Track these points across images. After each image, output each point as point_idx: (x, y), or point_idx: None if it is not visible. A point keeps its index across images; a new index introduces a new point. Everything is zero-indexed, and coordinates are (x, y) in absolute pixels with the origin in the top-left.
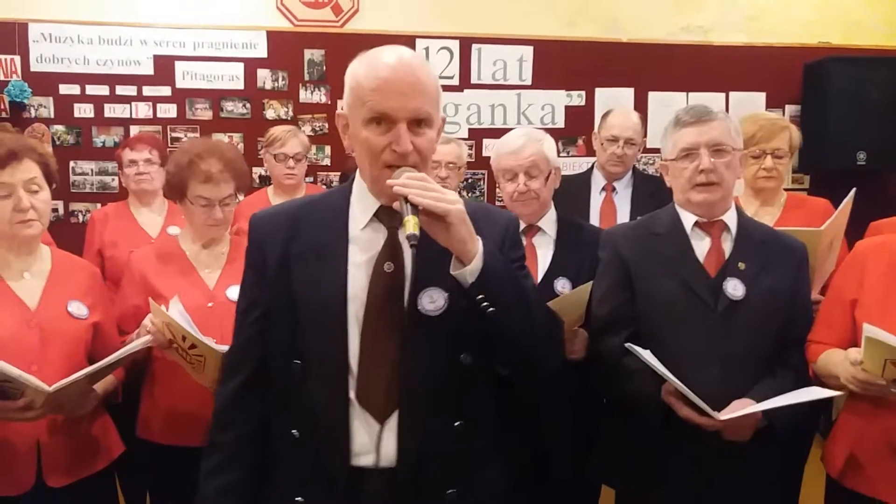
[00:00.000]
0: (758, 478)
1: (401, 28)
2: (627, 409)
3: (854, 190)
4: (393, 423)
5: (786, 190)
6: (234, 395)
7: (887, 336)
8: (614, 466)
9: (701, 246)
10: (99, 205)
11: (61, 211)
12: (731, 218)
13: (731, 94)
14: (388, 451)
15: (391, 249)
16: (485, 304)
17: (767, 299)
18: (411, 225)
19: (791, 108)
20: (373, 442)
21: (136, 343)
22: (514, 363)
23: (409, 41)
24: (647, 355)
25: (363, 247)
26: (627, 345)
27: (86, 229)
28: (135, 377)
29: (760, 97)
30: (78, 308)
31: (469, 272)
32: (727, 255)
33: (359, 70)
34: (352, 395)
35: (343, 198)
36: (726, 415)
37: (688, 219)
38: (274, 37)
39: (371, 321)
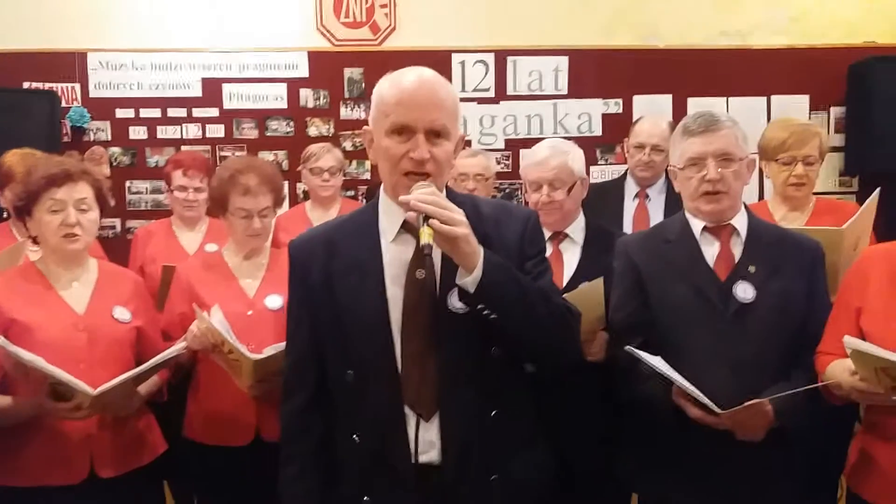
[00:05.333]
0: (779, 481)
1: (437, 44)
2: (643, 412)
3: (878, 190)
4: (436, 418)
5: (818, 194)
6: (300, 410)
7: (867, 346)
8: (635, 469)
9: (711, 250)
10: (146, 223)
11: (119, 228)
12: (740, 221)
13: (774, 97)
14: (436, 446)
15: (420, 257)
16: (486, 311)
17: (780, 301)
18: (426, 235)
19: (836, 111)
20: (424, 438)
21: (173, 349)
22: (528, 357)
23: (445, 56)
24: (649, 357)
25: (395, 257)
26: (628, 348)
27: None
28: (182, 380)
29: (804, 100)
30: (122, 313)
31: (470, 282)
32: (737, 258)
33: (383, 87)
34: (401, 397)
35: (371, 214)
36: (730, 410)
37: (696, 224)
38: (315, 57)
39: (409, 326)
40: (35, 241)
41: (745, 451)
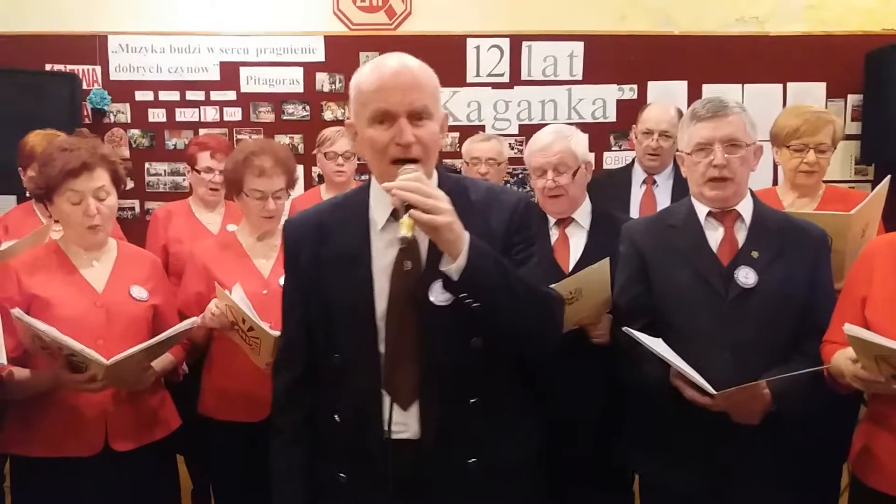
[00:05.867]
0: (778, 466)
1: (452, 28)
2: (644, 393)
3: (889, 177)
4: (416, 406)
5: (833, 182)
6: (291, 386)
7: (867, 334)
8: (636, 452)
9: (715, 236)
10: (163, 204)
11: (137, 209)
12: (745, 207)
13: (790, 84)
14: (415, 431)
15: (408, 248)
16: (468, 300)
17: (781, 287)
18: (405, 227)
19: (853, 98)
20: (402, 423)
21: (185, 323)
22: (508, 343)
23: (460, 41)
24: (647, 339)
25: (384, 247)
26: (626, 329)
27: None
28: (198, 360)
29: (821, 87)
30: (139, 292)
31: (454, 270)
32: (741, 244)
33: (360, 78)
34: (382, 384)
35: (363, 200)
36: (723, 391)
37: (702, 209)
38: (331, 41)
39: (394, 317)
40: (56, 219)
41: (743, 436)
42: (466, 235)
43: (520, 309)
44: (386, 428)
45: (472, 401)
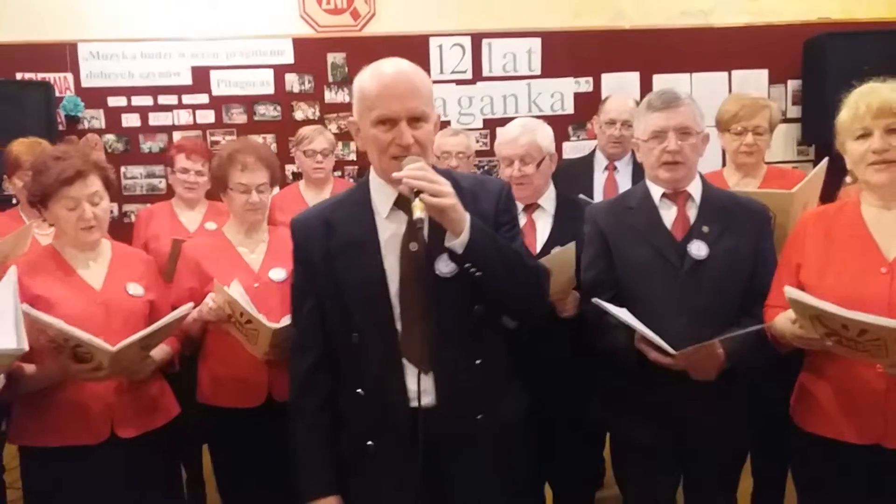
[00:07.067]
0: (727, 416)
1: (415, 29)
2: (611, 359)
3: (826, 159)
4: (432, 372)
5: (778, 162)
6: (308, 370)
7: (804, 296)
8: (607, 412)
9: (668, 214)
10: (149, 205)
11: (116, 212)
12: (695, 188)
13: (734, 72)
14: (431, 392)
15: (412, 231)
16: (472, 269)
17: (730, 257)
18: (418, 210)
19: (793, 84)
20: (420, 387)
21: (182, 308)
22: (505, 309)
23: (423, 40)
24: (614, 309)
25: (390, 232)
26: (595, 300)
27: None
28: (193, 352)
29: (763, 74)
30: (135, 288)
31: (458, 244)
32: (692, 220)
33: (364, 82)
34: (401, 354)
35: (364, 194)
36: (682, 351)
37: (656, 191)
38: (299, 44)
39: (406, 293)
40: (50, 224)
41: (698, 391)
42: (467, 214)
43: (514, 278)
44: (410, 395)
45: (477, 362)
